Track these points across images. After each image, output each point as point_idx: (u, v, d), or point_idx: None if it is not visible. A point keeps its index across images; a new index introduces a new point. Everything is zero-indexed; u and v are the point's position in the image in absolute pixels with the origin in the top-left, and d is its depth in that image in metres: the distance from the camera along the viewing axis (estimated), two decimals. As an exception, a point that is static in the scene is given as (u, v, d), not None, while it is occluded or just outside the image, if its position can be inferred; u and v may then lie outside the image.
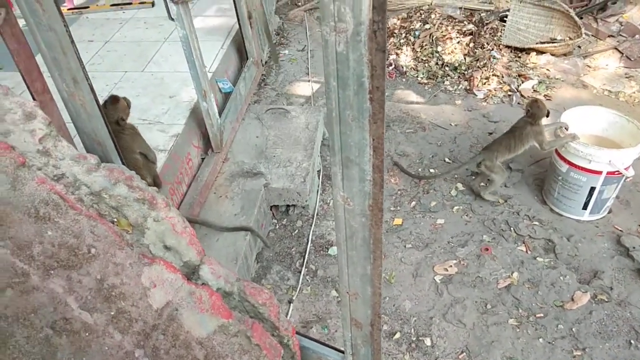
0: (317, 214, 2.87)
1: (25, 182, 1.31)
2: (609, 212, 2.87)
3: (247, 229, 2.46)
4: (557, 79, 3.99)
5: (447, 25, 4.27)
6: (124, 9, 3.95)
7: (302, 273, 2.53)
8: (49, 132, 1.39)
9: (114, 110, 1.99)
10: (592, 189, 2.71)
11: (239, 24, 3.31)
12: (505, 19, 4.40)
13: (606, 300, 2.38)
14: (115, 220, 1.41)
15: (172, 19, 2.28)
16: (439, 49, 4.13)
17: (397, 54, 4.21)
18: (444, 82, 3.95)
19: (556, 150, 2.78)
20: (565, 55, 4.21)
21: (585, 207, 2.80)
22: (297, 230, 2.78)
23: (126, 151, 1.90)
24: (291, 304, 2.40)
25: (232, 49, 3.49)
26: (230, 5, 3.49)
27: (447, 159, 3.19)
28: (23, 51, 1.33)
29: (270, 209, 2.84)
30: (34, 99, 1.41)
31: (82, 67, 1.38)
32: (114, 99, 2.03)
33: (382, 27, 0.91)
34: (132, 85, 3.06)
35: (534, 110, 2.71)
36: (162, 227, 1.43)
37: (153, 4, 3.97)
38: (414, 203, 2.91)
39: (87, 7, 4.00)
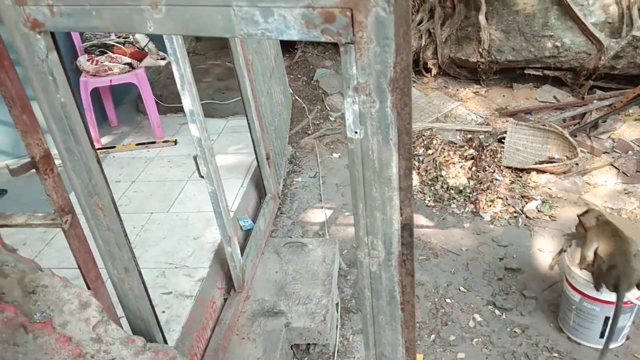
0: (337, 351, 2.90)
1: (80, 373, 1.41)
2: (627, 339, 2.90)
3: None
4: (560, 197, 4.17)
5: (449, 151, 4.55)
6: (148, 147, 4.27)
7: (327, 418, 2.53)
8: (101, 319, 1.51)
9: None
10: (607, 318, 2.76)
11: (258, 164, 3.57)
12: (503, 140, 4.70)
13: None
14: (159, 402, 1.49)
15: (202, 177, 2.49)
16: (443, 173, 4.37)
17: (404, 178, 4.45)
18: (450, 205, 4.13)
19: (567, 280, 2.87)
20: (564, 173, 4.43)
21: (602, 336, 2.83)
22: (319, 370, 2.81)
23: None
24: None
25: (252, 186, 3.73)
26: (247, 142, 3.77)
27: (461, 288, 3.28)
28: (82, 248, 1.50)
29: (291, 348, 2.89)
30: (88, 287, 1.55)
31: (133, 257, 1.54)
32: None
33: (411, 258, 1.06)
34: (159, 227, 3.24)
35: None
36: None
37: (176, 142, 4.29)
38: (433, 336, 2.96)
39: (114, 147, 4.32)
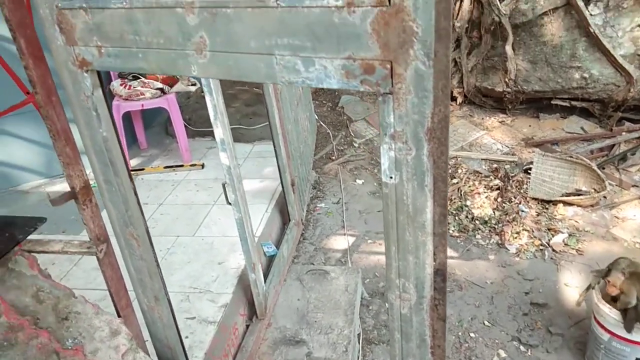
0: (359, 383, 2.87)
1: (109, 401, 1.43)
2: (658, 383, 2.80)
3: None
4: (587, 231, 4.10)
5: (474, 180, 4.52)
6: (176, 170, 4.35)
7: None
8: (130, 347, 1.54)
9: None
10: (638, 360, 2.69)
11: (283, 190, 3.61)
12: (529, 171, 4.65)
13: None
14: None
15: (230, 204, 2.53)
16: (468, 202, 4.34)
17: (428, 207, 4.42)
18: (475, 236, 4.09)
19: (595, 318, 2.80)
20: (592, 206, 4.36)
21: (632, 378, 2.74)
22: (339, 401, 2.77)
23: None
24: None
25: (276, 211, 3.76)
26: (273, 167, 3.82)
27: (486, 322, 3.22)
28: (115, 276, 1.53)
29: (313, 378, 2.87)
30: (118, 314, 1.58)
31: (164, 286, 1.56)
32: None
33: (443, 303, 1.06)
34: (184, 250, 3.29)
35: None
36: None
37: (203, 166, 4.36)
38: (456, 371, 2.91)
39: (143, 169, 4.41)
